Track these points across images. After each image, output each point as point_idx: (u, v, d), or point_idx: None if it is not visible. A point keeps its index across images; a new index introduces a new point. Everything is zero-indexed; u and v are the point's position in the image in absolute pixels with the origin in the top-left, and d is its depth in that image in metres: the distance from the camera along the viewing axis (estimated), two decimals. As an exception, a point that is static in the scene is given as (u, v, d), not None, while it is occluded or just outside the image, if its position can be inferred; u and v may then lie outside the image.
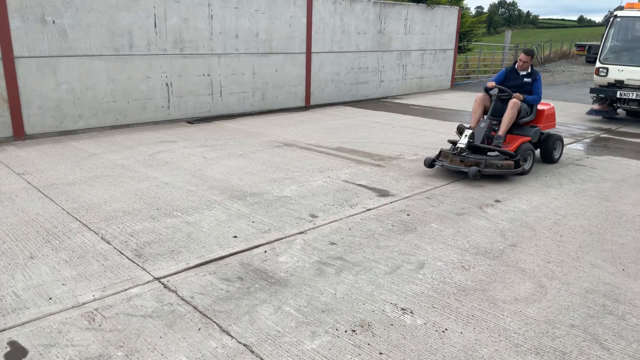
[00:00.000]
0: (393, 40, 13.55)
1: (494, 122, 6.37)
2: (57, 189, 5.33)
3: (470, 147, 6.00)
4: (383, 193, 5.45)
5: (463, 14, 17.78)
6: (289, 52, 11.07)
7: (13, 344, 2.74)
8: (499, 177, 6.05)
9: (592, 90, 10.53)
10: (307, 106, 11.76)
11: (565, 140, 8.41)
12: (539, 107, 6.73)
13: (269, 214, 4.76)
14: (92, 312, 3.04)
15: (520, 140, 6.27)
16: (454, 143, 6.27)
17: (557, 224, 4.66)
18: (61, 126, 8.11)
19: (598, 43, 12.94)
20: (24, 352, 2.67)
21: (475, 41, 21.04)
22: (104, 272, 3.55)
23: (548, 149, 6.80)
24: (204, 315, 3.04)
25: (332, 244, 4.12)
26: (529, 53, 6.62)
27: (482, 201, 5.26)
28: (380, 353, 2.72)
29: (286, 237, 4.25)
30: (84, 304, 3.14)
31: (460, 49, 18.35)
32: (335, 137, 8.29)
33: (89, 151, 7.03)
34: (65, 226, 4.35)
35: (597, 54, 10.59)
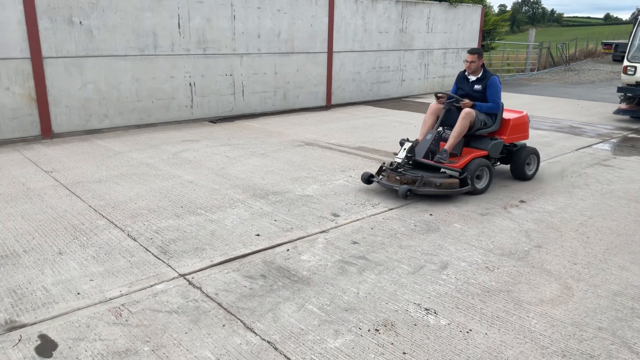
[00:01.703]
0: (415, 39, 13.47)
1: (447, 134, 5.62)
2: (84, 187, 5.44)
3: (413, 162, 5.26)
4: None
5: (486, 12, 17.57)
6: (310, 51, 11.09)
7: (43, 337, 2.81)
8: (525, 178, 5.95)
9: (620, 90, 10.31)
10: (328, 105, 11.76)
11: (591, 140, 8.25)
12: (505, 115, 5.78)
13: (291, 213, 4.78)
14: (119, 308, 3.09)
15: (472, 155, 5.38)
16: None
17: (584, 225, 4.58)
18: (87, 125, 8.27)
19: (625, 41, 12.65)
20: (54, 345, 2.74)
21: (499, 40, 20.77)
22: (130, 268, 3.61)
23: (518, 164, 5.81)
24: (228, 311, 3.07)
25: (354, 243, 4.12)
26: (475, 52, 5.59)
27: (507, 201, 5.19)
28: (404, 353, 2.71)
29: (308, 235, 4.26)
30: (111, 299, 3.20)
31: (483, 48, 18.14)
32: (357, 137, 8.27)
33: (115, 150, 7.16)
34: (92, 223, 4.44)
35: (625, 52, 10.36)
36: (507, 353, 2.73)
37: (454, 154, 5.49)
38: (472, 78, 5.66)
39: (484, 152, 5.47)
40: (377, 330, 2.91)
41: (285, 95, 10.91)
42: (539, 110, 11.37)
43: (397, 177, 5.19)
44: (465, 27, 15.00)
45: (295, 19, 10.61)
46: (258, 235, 4.23)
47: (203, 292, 3.29)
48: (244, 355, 2.66)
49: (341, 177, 5.94)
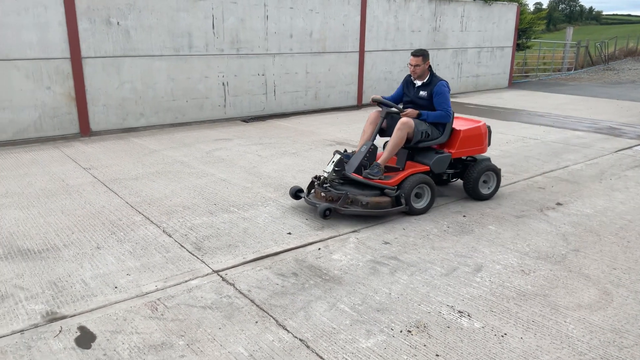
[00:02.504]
0: (448, 38, 13.30)
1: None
2: (121, 184, 5.58)
3: (343, 177, 4.69)
4: (438, 193, 5.35)
5: (522, 10, 17.21)
6: (342, 51, 11.08)
7: (82, 329, 2.89)
8: (567, 181, 5.81)
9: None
10: (359, 105, 11.73)
11: (631, 142, 7.98)
12: (456, 125, 5.09)
13: (322, 212, 4.78)
14: (155, 302, 3.16)
15: (410, 170, 4.79)
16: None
17: (624, 229, 4.44)
18: (124, 123, 8.47)
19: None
20: (92, 337, 2.82)
21: (535, 38, 20.30)
22: (165, 263, 3.68)
23: (470, 181, 5.05)
24: (261, 308, 3.10)
25: (386, 243, 4.10)
26: (419, 54, 4.91)
27: (543, 204, 5.08)
28: (437, 355, 2.68)
29: (339, 235, 4.26)
30: (147, 293, 3.27)
31: (518, 47, 17.78)
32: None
33: (150, 148, 7.31)
34: (129, 219, 4.55)
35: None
36: (543, 358, 2.67)
37: (395, 168, 4.89)
38: (418, 83, 5.02)
39: (426, 168, 4.84)
40: (410, 331, 2.89)
41: (316, 95, 10.93)
42: (576, 111, 11.08)
43: (323, 194, 4.64)
44: (500, 25, 14.73)
45: (327, 18, 10.62)
46: (290, 233, 4.25)
47: (236, 289, 3.33)
48: (276, 352, 2.68)
49: (373, 177, 5.91)
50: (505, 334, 2.88)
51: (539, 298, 3.28)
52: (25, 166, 6.29)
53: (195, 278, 3.47)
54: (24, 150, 7.12)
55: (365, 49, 11.50)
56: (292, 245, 4.03)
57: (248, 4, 9.38)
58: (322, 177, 4.71)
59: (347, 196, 4.50)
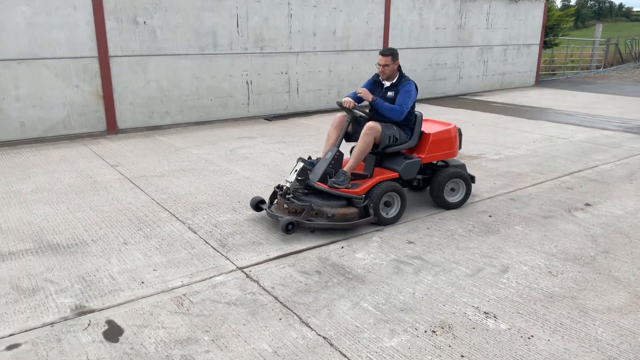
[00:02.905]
0: (474, 36, 13.13)
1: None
2: (147, 181, 5.66)
3: (306, 186, 4.30)
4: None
5: (549, 7, 16.89)
6: (365, 49, 11.04)
7: (110, 323, 2.95)
8: (596, 181, 5.68)
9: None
10: (383, 103, 11.67)
11: (665, 142, 7.76)
12: (425, 129, 4.79)
13: (345, 210, 4.77)
14: (181, 297, 3.20)
15: (378, 178, 4.44)
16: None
17: (656, 231, 4.32)
18: (150, 121, 8.60)
19: None
20: (120, 330, 2.87)
21: (562, 35, 19.91)
22: (191, 259, 3.73)
23: (435, 189, 4.73)
24: (285, 305, 3.11)
25: (410, 242, 4.07)
26: (388, 53, 4.58)
27: (571, 204, 4.98)
28: (462, 356, 2.65)
29: (363, 234, 4.25)
30: (173, 289, 3.31)
31: (545, 44, 17.45)
32: (412, 135, 8.15)
33: (176, 145, 7.40)
34: (155, 215, 4.62)
35: None
36: (572, 362, 2.62)
37: (363, 176, 4.55)
38: (387, 84, 4.68)
39: (394, 174, 4.51)
40: (434, 331, 2.87)
41: (339, 93, 10.91)
42: (605, 110, 10.83)
43: (285, 205, 4.26)
44: (527, 22, 14.48)
45: (350, 16, 10.59)
46: (313, 231, 4.26)
47: (260, 286, 3.35)
48: (300, 350, 2.69)
49: (396, 176, 5.87)
50: (532, 336, 2.83)
51: (567, 300, 3.22)
52: (54, 163, 6.43)
53: (220, 274, 3.51)
54: (53, 147, 7.28)
55: (390, 46, 11.42)
56: (315, 244, 4.03)
57: (272, 2, 9.41)
58: (284, 187, 4.33)
59: (311, 208, 4.13)
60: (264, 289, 3.31)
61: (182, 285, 3.35)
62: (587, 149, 7.28)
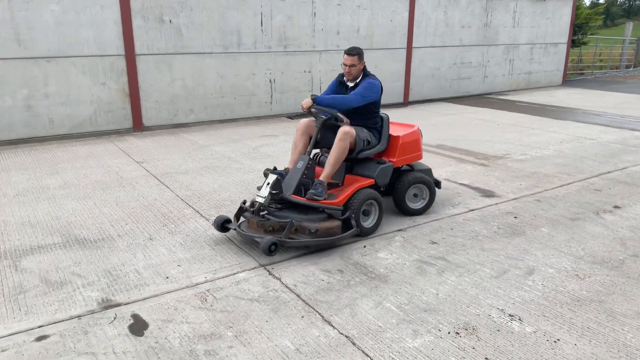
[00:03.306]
0: (500, 34, 12.94)
1: (324, 157, 4.44)
2: (172, 177, 5.73)
3: (280, 201, 3.91)
4: (488, 193, 5.23)
5: (577, 5, 16.54)
6: (389, 47, 10.98)
7: (136, 317, 2.99)
8: (625, 183, 5.54)
9: None
10: (405, 102, 11.60)
11: (698, 143, 7.53)
12: (393, 132, 4.53)
13: (368, 210, 4.76)
14: (204, 293, 3.23)
15: (356, 186, 4.11)
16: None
17: (689, 235, 4.20)
18: (174, 119, 8.70)
19: None
20: (145, 325, 2.91)
21: (591, 34, 19.49)
22: (214, 256, 3.76)
23: (399, 194, 4.46)
24: (307, 303, 3.12)
25: (433, 243, 4.04)
26: (354, 52, 4.28)
27: (599, 207, 4.87)
28: (486, 358, 2.62)
29: (385, 233, 4.23)
30: (197, 284, 3.35)
31: (573, 43, 17.10)
32: (435, 134, 8.09)
33: (200, 143, 7.48)
34: (179, 212, 4.67)
35: None
36: (600, 367, 2.56)
37: (334, 184, 4.27)
38: (351, 84, 4.39)
39: (370, 181, 4.19)
40: (458, 333, 2.84)
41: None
42: (634, 110, 10.56)
43: (259, 223, 3.81)
44: (555, 21, 14.21)
45: (375, 14, 10.54)
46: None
47: (282, 283, 3.37)
48: (322, 348, 2.69)
49: (419, 175, 5.83)
50: (558, 340, 2.78)
51: (594, 304, 3.15)
52: (81, 159, 6.56)
53: (243, 271, 3.53)
54: (80, 144, 7.43)
55: (413, 45, 11.34)
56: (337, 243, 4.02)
57: (296, 1, 9.43)
58: (256, 203, 3.85)
59: (292, 224, 3.72)
60: (287, 287, 3.32)
61: (206, 281, 3.38)
62: (616, 150, 7.11)
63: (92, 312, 3.04)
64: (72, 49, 7.61)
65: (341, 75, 4.49)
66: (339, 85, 4.49)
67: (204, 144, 7.39)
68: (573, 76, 17.49)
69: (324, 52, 10.08)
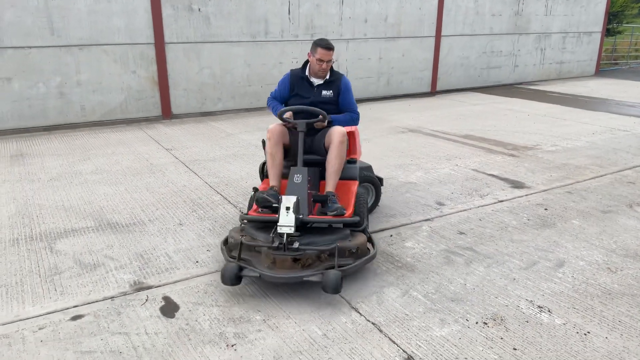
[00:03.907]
0: (531, 22, 12.64)
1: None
2: (200, 165, 5.81)
3: (302, 224, 3.25)
4: (517, 185, 5.16)
5: (614, -8, 16.03)
6: (417, 35, 10.84)
7: (167, 299, 3.06)
8: None
9: None
10: (433, 92, 11.46)
11: None
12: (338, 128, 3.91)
13: (394, 199, 4.75)
14: (233, 278, 3.28)
15: (351, 189, 3.73)
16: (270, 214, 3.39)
17: None
18: (202, 108, 8.79)
19: None
20: (176, 307, 2.98)
21: (626, 23, 18.88)
22: (242, 242, 3.81)
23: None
24: (334, 291, 3.14)
25: (461, 233, 4.01)
26: (332, 47, 3.85)
27: (633, 199, 4.75)
28: (514, 349, 2.60)
29: (412, 223, 4.22)
30: (225, 269, 3.40)
31: (608, 32, 16.60)
32: (463, 124, 7.99)
33: (227, 131, 7.55)
34: (208, 198, 4.74)
35: None
36: (632, 361, 2.52)
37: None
38: (318, 82, 3.93)
39: (356, 182, 3.83)
40: (486, 323, 2.82)
41: (388, 81, 10.80)
42: (672, 101, 10.22)
43: (295, 259, 3.07)
44: (589, 9, 13.80)
45: (403, 2, 10.41)
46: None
47: (309, 270, 3.39)
48: (349, 334, 2.72)
49: (446, 166, 5.78)
50: (589, 332, 2.74)
51: (626, 298, 3.09)
52: (112, 145, 6.70)
53: (271, 257, 3.56)
54: (111, 131, 7.58)
55: (442, 33, 11.18)
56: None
57: (324, -11, 9.38)
58: (283, 234, 3.08)
59: (337, 250, 3.10)
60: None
61: (235, 266, 3.43)
62: (651, 142, 6.91)
63: (125, 293, 3.13)
64: (104, 37, 7.74)
65: (299, 72, 3.97)
66: (299, 84, 3.93)
67: (231, 132, 7.46)
68: (607, 66, 17.00)
69: (351, 41, 10.02)
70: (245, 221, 3.46)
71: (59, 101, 7.67)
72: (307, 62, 3.99)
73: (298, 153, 3.57)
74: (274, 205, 3.31)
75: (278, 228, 3.10)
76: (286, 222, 3.09)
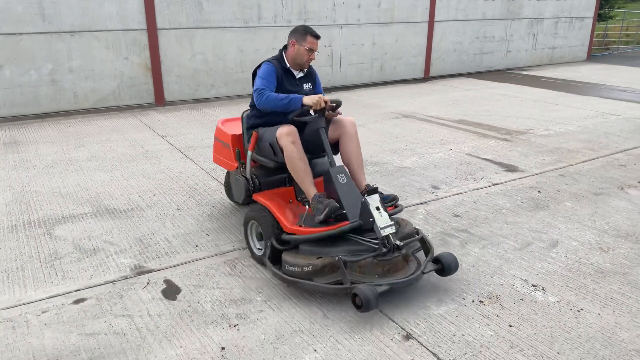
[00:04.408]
0: (524, 7, 12.65)
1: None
2: (196, 151, 5.82)
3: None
4: (511, 168, 5.22)
5: (605, -23, 16.05)
6: (410, 21, 10.83)
7: (168, 282, 3.10)
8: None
9: None
10: (426, 78, 11.48)
11: None
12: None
13: (389, 184, 4.80)
14: (233, 261, 3.32)
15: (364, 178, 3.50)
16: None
17: None
18: (195, 94, 8.76)
19: None
20: (177, 289, 3.02)
21: (618, 8, 18.94)
22: (240, 226, 3.84)
23: None
24: (333, 272, 3.19)
25: (456, 216, 4.07)
26: (319, 36, 3.53)
27: (624, 182, 4.83)
28: (510, 325, 2.67)
29: (408, 206, 4.27)
30: (225, 252, 3.44)
31: (599, 17, 16.64)
32: (457, 110, 8.03)
33: (221, 118, 7.53)
34: (205, 184, 4.76)
35: None
36: (622, 335, 2.60)
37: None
38: (299, 74, 3.61)
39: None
40: (482, 301, 2.89)
41: (382, 67, 10.79)
42: (663, 86, 10.31)
43: (400, 260, 2.90)
44: (581, -7, 13.82)
45: (396, -12, 10.38)
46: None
47: (308, 253, 3.44)
48: (349, 313, 2.77)
49: (440, 150, 5.83)
50: (582, 309, 2.82)
51: (618, 276, 3.17)
52: (106, 132, 6.68)
53: (269, 241, 3.61)
54: (104, 118, 7.55)
55: (435, 19, 11.17)
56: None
57: (317, -26, 9.32)
58: (390, 242, 2.82)
59: (424, 235, 3.17)
60: (313, 256, 3.39)
61: (234, 250, 3.48)
62: (642, 125, 7.00)
63: (126, 277, 3.16)
64: (96, 23, 7.67)
65: (277, 61, 3.54)
66: (284, 78, 3.52)
67: (226, 119, 7.44)
68: (598, 51, 17.08)
69: (345, 26, 9.99)
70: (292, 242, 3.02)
71: (51, 88, 7.62)
72: (282, 51, 3.57)
73: (327, 152, 3.21)
74: (344, 212, 3.00)
75: (381, 231, 2.81)
76: (385, 222, 2.86)
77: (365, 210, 2.87)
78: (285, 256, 2.96)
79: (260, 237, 3.31)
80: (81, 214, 4.10)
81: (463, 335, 2.60)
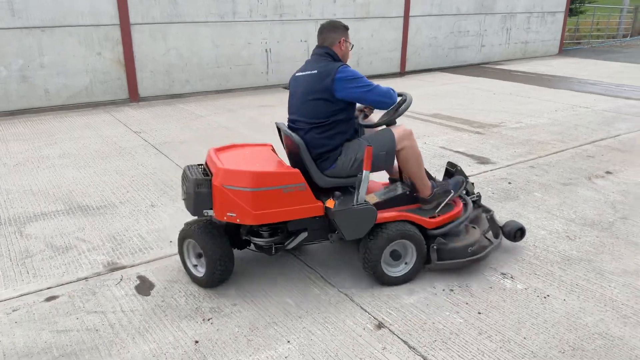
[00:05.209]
0: (497, 2, 12.82)
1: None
2: (170, 147, 5.78)
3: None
4: (483, 160, 5.32)
5: (576, -28, 16.35)
6: (385, 16, 10.89)
7: (142, 278, 3.09)
8: (618, 150, 5.63)
9: None
10: (402, 72, 11.57)
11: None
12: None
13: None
14: (207, 256, 3.33)
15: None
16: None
17: (677, 199, 4.31)
18: (170, 90, 8.68)
19: None
20: (151, 285, 3.01)
21: (588, 3, 19.33)
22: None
23: None
24: (307, 265, 3.22)
25: (429, 207, 4.13)
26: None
27: (592, 172, 4.97)
28: (479, 312, 2.74)
29: (382, 199, 4.31)
30: (199, 248, 3.44)
31: (571, 12, 16.95)
32: (432, 104, 8.12)
33: (196, 113, 7.49)
34: (179, 180, 4.74)
35: None
36: (587, 319, 2.69)
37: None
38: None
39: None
40: (452, 290, 2.95)
41: (358, 62, 10.84)
42: (630, 79, 10.58)
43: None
44: (552, -11, 14.06)
45: (371, -17, 10.42)
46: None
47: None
48: (322, 304, 2.81)
49: (415, 144, 5.90)
50: (548, 296, 2.90)
51: (583, 263, 3.27)
52: (79, 129, 6.58)
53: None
54: (76, 114, 7.43)
55: (410, 14, 11.25)
56: (336, 207, 4.11)
57: (291, -32, 9.30)
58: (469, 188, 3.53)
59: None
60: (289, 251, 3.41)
61: (208, 245, 3.48)
62: (609, 118, 7.18)
63: (99, 274, 3.14)
64: (67, 18, 7.53)
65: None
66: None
67: (201, 114, 7.41)
68: (570, 46, 17.42)
69: (321, 21, 9.95)
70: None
71: (22, 85, 7.46)
72: (330, 53, 3.23)
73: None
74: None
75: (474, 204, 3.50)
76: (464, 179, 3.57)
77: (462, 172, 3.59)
78: (453, 244, 3.05)
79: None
80: (53, 212, 4.05)
81: (433, 323, 2.66)
